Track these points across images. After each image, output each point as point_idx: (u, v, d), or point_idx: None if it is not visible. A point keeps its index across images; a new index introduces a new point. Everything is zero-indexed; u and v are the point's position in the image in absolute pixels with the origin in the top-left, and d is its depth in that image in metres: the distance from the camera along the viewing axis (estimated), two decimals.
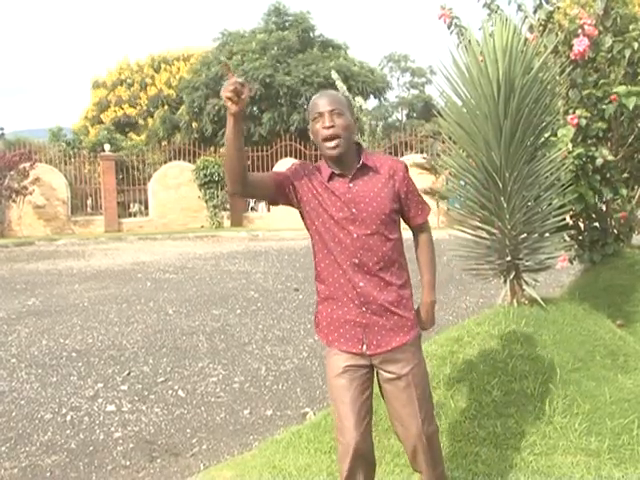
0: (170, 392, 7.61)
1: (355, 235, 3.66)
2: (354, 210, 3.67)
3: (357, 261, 3.68)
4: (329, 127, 3.62)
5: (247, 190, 3.72)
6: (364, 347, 3.72)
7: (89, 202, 31.66)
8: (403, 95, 62.04)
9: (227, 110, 3.37)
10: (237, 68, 36.42)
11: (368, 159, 3.75)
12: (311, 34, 39.32)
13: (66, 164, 31.08)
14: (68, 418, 6.92)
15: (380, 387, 3.85)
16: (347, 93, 32.20)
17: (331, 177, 3.72)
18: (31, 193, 27.76)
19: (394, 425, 3.90)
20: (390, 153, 29.94)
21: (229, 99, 3.31)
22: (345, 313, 3.74)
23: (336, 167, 3.72)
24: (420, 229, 3.93)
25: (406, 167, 3.84)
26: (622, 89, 7.28)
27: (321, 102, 3.68)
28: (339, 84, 32.30)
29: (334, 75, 32.70)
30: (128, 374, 8.27)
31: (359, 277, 3.69)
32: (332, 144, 3.63)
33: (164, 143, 37.33)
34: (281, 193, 3.76)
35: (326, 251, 3.75)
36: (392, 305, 3.73)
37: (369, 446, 3.81)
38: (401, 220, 3.87)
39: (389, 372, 3.74)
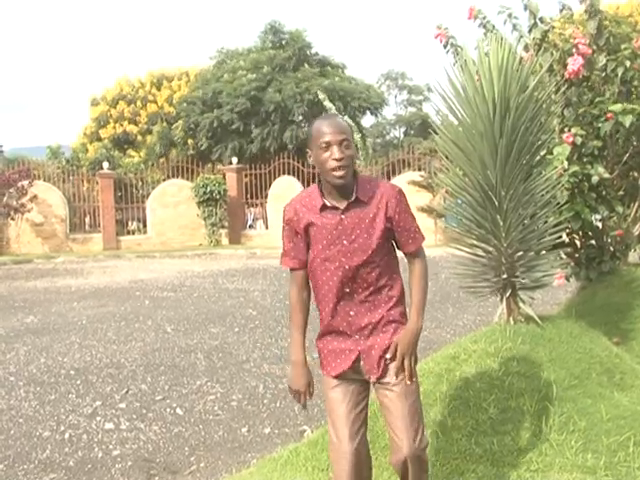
0: (168, 410, 7.62)
1: (347, 267, 3.72)
2: (345, 242, 3.71)
3: (348, 290, 3.76)
4: (339, 159, 3.61)
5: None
6: (357, 369, 3.83)
7: (87, 220, 31.68)
8: (400, 113, 62.21)
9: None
10: (227, 85, 36.60)
11: (361, 191, 3.73)
12: (307, 52, 39.43)
13: (64, 182, 31.11)
14: (66, 436, 6.93)
15: (378, 401, 3.93)
16: (334, 111, 32.37)
17: (323, 208, 3.74)
18: (29, 211, 27.78)
19: (389, 437, 3.93)
20: (388, 171, 30.02)
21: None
22: (340, 343, 3.85)
23: (331, 195, 3.74)
24: (412, 256, 3.87)
25: (400, 192, 3.83)
26: (618, 107, 7.33)
27: (329, 131, 3.64)
28: (327, 103, 32.42)
29: (320, 95, 32.81)
30: (126, 392, 8.28)
31: (350, 306, 3.78)
32: (340, 174, 3.63)
33: (161, 160, 37.39)
34: (309, 245, 3.84)
35: (320, 282, 3.82)
36: (384, 323, 3.79)
37: (364, 458, 3.89)
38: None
39: (382, 383, 3.81)
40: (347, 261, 3.71)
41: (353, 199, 3.71)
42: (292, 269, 3.92)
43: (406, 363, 3.72)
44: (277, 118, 35.95)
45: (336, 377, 3.86)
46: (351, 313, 3.77)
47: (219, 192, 29.35)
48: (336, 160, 3.61)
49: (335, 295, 3.77)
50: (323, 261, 3.76)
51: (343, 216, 3.70)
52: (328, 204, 3.72)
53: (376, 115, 41.67)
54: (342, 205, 3.71)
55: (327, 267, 3.74)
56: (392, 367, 3.77)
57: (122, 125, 42.00)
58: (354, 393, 3.83)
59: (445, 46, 7.97)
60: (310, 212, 3.75)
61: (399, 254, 3.84)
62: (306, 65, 37.70)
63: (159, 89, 42.86)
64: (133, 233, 31.70)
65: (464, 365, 5.49)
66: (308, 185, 29.50)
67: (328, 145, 3.63)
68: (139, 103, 42.65)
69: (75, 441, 6.80)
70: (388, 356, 3.74)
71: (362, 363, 3.80)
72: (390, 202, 3.74)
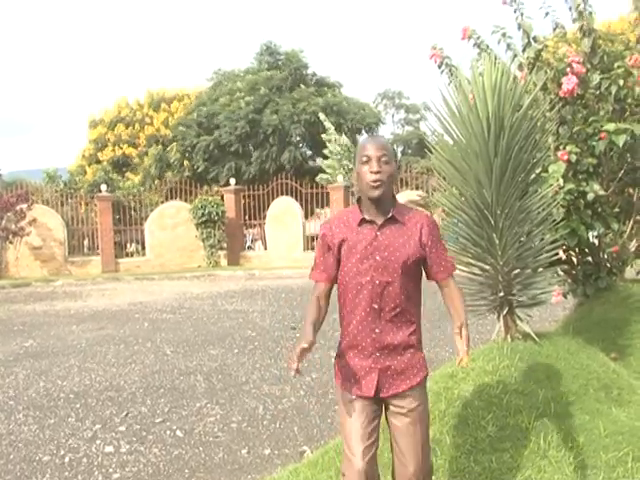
0: (168, 432, 7.62)
1: (377, 282, 3.86)
2: (378, 257, 3.87)
3: (376, 306, 3.88)
4: (376, 172, 3.80)
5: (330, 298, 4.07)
6: (375, 391, 3.90)
7: (86, 242, 31.67)
8: (398, 132, 62.39)
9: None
10: (225, 108, 36.67)
11: (398, 212, 3.92)
12: (304, 72, 39.56)
13: (63, 205, 31.12)
14: (66, 460, 6.93)
15: (387, 421, 4.02)
16: (333, 131, 32.47)
17: (361, 223, 3.91)
18: (28, 234, 27.77)
19: (394, 459, 4.03)
20: None
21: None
22: (361, 360, 3.94)
23: (369, 212, 3.92)
24: (444, 284, 4.04)
25: (434, 222, 4.03)
26: (611, 126, 7.38)
27: (370, 147, 3.86)
28: (327, 124, 32.50)
29: (321, 116, 32.92)
30: (126, 415, 8.28)
31: (376, 323, 3.90)
32: (376, 185, 3.82)
33: (157, 182, 37.42)
34: (339, 264, 4.00)
35: (350, 296, 3.95)
36: (403, 345, 3.93)
37: (375, 474, 3.96)
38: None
39: (397, 407, 3.93)
40: (378, 276, 3.86)
41: (390, 216, 3.89)
42: (318, 281, 4.06)
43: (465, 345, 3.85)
44: (275, 140, 36.02)
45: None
46: (376, 330, 3.89)
47: (217, 213, 29.34)
48: (373, 173, 3.81)
49: (363, 309, 3.90)
50: (355, 275, 3.91)
51: (379, 232, 3.89)
52: (367, 218, 3.90)
53: (371, 134, 41.76)
54: (379, 221, 3.89)
55: (358, 281, 3.89)
56: (409, 394, 3.93)
57: (121, 148, 42.10)
58: (369, 410, 3.93)
59: (440, 66, 8.03)
60: (347, 228, 3.94)
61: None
62: (302, 85, 37.79)
63: (157, 111, 42.99)
64: (132, 255, 31.67)
65: (462, 383, 5.52)
66: (306, 206, 29.66)
67: (368, 159, 3.84)
68: (137, 125, 42.76)
69: (75, 465, 6.81)
70: (456, 330, 3.89)
71: (377, 381, 3.91)
72: (424, 229, 3.93)
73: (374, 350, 3.90)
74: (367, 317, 3.89)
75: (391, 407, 3.95)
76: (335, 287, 4.06)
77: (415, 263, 3.92)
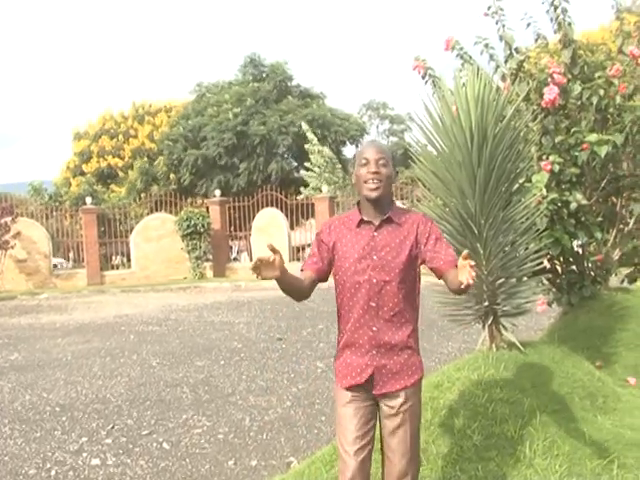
0: (155, 445, 7.61)
1: (374, 280, 3.94)
2: (375, 257, 3.95)
3: (374, 304, 3.94)
4: (374, 173, 3.92)
5: (312, 291, 4.10)
6: (368, 385, 3.96)
7: (71, 255, 31.57)
8: (383, 143, 62.49)
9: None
10: (212, 120, 36.66)
11: (395, 214, 4.02)
12: (288, 83, 39.61)
13: (47, 218, 31.04)
14: (52, 473, 6.91)
15: (380, 422, 4.07)
16: (316, 142, 32.53)
17: (360, 224, 4.02)
18: (13, 247, 27.67)
19: (383, 459, 4.10)
20: None
21: (258, 273, 3.71)
22: (358, 357, 4.00)
23: (367, 213, 4.02)
24: (452, 271, 3.84)
25: (432, 222, 4.09)
26: (593, 137, 7.43)
27: (369, 150, 4.00)
28: (310, 135, 32.55)
29: (304, 126, 32.98)
30: (112, 427, 8.26)
31: (374, 321, 3.95)
32: (373, 185, 3.94)
33: (143, 195, 37.35)
34: (330, 263, 4.08)
35: (348, 294, 4.02)
36: (400, 346, 3.98)
37: (368, 473, 4.02)
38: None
39: (390, 407, 3.99)
40: (375, 275, 3.93)
41: (386, 217, 3.98)
42: (305, 269, 4.13)
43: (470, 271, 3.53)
44: (262, 151, 36.03)
45: (349, 389, 4.01)
46: (374, 328, 3.95)
47: (203, 225, 29.29)
48: (371, 173, 3.93)
49: (361, 307, 3.96)
50: (353, 274, 3.98)
51: (376, 233, 3.98)
52: (365, 219, 4.01)
53: (357, 145, 41.81)
54: (376, 221, 3.98)
55: (356, 280, 3.96)
56: (402, 394, 3.97)
57: (106, 159, 42.00)
58: (365, 412, 3.99)
59: (423, 77, 8.07)
60: (346, 229, 4.06)
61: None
62: (289, 97, 37.86)
63: (141, 124, 42.94)
64: (117, 268, 31.58)
65: (448, 393, 5.54)
66: (291, 216, 29.66)
67: (367, 162, 3.96)
68: (121, 137, 42.70)
69: (61, 478, 6.79)
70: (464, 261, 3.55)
71: (372, 377, 3.97)
72: (420, 228, 4.00)
73: (371, 348, 3.95)
74: (364, 315, 3.95)
75: (384, 407, 4.00)
76: (333, 288, 4.11)
77: (411, 263, 3.98)
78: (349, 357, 4.02)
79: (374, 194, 3.93)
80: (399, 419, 3.95)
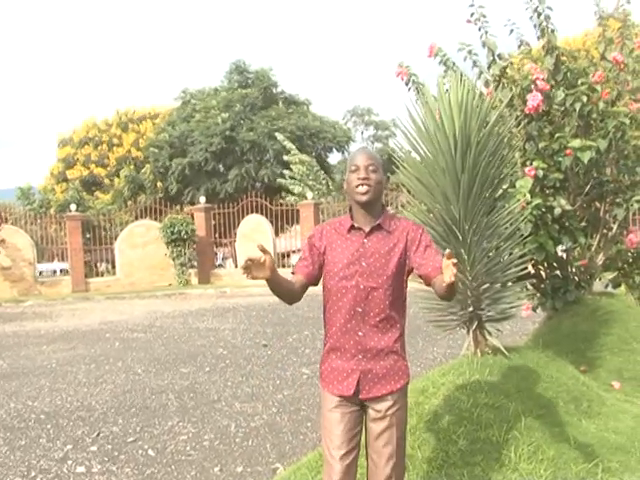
0: (140, 452, 7.59)
1: (362, 286, 3.96)
2: (364, 264, 3.97)
3: (360, 310, 3.96)
4: (364, 179, 3.95)
5: (303, 294, 4.12)
6: (355, 392, 3.96)
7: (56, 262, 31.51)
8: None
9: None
10: (199, 125, 36.58)
11: (386, 221, 4.05)
12: (274, 90, 39.63)
13: (32, 224, 30.95)
14: None
15: (366, 426, 4.07)
16: (296, 151, 32.58)
17: (350, 230, 4.04)
18: None
19: (368, 463, 4.09)
20: None
21: (248, 273, 3.75)
22: (344, 362, 4.01)
23: (358, 219, 4.05)
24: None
25: (423, 229, 4.11)
26: (577, 143, 7.47)
27: (359, 157, 4.04)
28: (287, 144, 32.58)
29: (279, 136, 33.03)
30: (98, 435, 8.24)
31: (360, 326, 3.97)
32: (363, 190, 3.98)
33: (130, 202, 37.30)
34: (321, 267, 4.11)
35: (334, 298, 4.04)
36: (386, 351, 3.99)
37: (354, 478, 4.02)
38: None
39: (376, 410, 3.99)
40: (363, 281, 3.96)
41: (376, 224, 4.01)
42: (296, 273, 4.14)
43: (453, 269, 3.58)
44: (252, 156, 35.97)
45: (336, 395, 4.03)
46: (360, 333, 3.97)
47: (187, 232, 29.27)
48: (360, 179, 3.98)
49: (347, 312, 3.98)
50: (340, 279, 4.01)
51: (366, 239, 4.00)
52: (355, 225, 4.03)
53: (343, 152, 41.85)
54: (367, 228, 4.01)
55: (343, 285, 3.98)
56: (388, 398, 3.98)
57: (89, 168, 41.88)
58: (351, 417, 4.00)
59: (407, 83, 8.10)
60: (337, 234, 4.08)
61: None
62: (275, 105, 37.88)
63: (125, 131, 42.83)
64: (102, 275, 31.54)
65: (433, 398, 5.55)
66: (276, 223, 29.66)
67: (357, 168, 4.01)
68: (105, 146, 42.56)
69: None
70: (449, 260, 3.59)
71: (359, 382, 3.98)
72: (410, 235, 4.03)
73: (356, 352, 3.96)
74: (351, 320, 3.96)
75: (370, 411, 4.01)
76: (319, 295, 4.13)
77: (400, 270, 4.00)
78: (334, 362, 4.04)
79: (364, 198, 3.96)
80: (386, 422, 3.96)
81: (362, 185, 3.95)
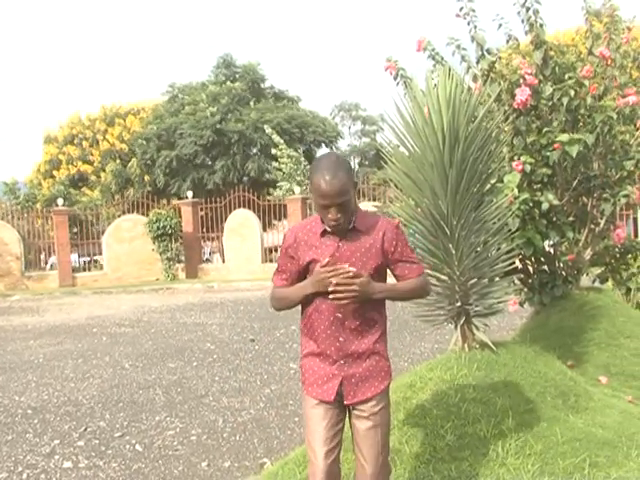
0: (127, 447, 7.58)
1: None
2: None
3: (340, 315, 3.89)
4: (336, 220, 3.79)
5: None
6: (338, 397, 3.93)
7: (43, 257, 31.42)
8: (355, 143, 62.57)
9: (314, 283, 3.85)
10: (189, 118, 36.47)
11: (360, 222, 3.92)
12: (262, 85, 39.56)
13: (19, 219, 30.84)
14: (24, 476, 6.87)
15: (350, 423, 4.06)
16: (283, 145, 32.52)
17: (323, 233, 3.92)
18: None
19: (357, 460, 4.07)
20: None
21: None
22: (325, 366, 3.97)
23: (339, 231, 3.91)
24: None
25: (397, 227, 4.01)
26: (565, 137, 7.47)
27: (328, 193, 3.71)
28: (276, 138, 32.54)
29: (268, 130, 32.99)
30: (85, 430, 8.22)
31: (340, 332, 3.91)
32: (335, 228, 3.85)
33: (117, 197, 37.19)
34: (300, 276, 4.02)
35: (314, 305, 3.95)
36: (368, 353, 3.96)
37: (337, 475, 4.02)
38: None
39: (360, 410, 3.97)
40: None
41: (350, 228, 3.89)
42: (280, 286, 4.09)
43: (345, 288, 3.77)
44: (240, 149, 35.86)
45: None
46: (340, 339, 3.92)
47: (171, 226, 29.23)
48: (332, 220, 3.80)
49: (327, 318, 3.91)
50: None
51: (341, 243, 3.89)
52: (328, 230, 3.90)
53: (331, 147, 41.85)
54: (341, 233, 3.89)
55: (321, 291, 3.86)
56: (372, 398, 3.96)
57: (75, 166, 41.67)
58: (333, 414, 3.96)
59: (395, 78, 8.08)
60: (310, 239, 3.95)
61: None
62: (263, 99, 37.83)
63: (111, 125, 42.65)
64: (89, 269, 31.46)
65: (421, 393, 5.55)
66: (264, 218, 29.65)
67: (326, 205, 3.77)
68: (87, 143, 42.27)
69: None
70: (346, 266, 3.80)
71: (342, 387, 3.94)
72: (387, 235, 3.94)
73: (338, 358, 3.92)
74: (331, 326, 3.91)
75: (354, 410, 3.98)
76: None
77: (378, 271, 3.93)
78: (316, 364, 3.99)
79: (335, 229, 3.86)
80: (370, 422, 3.95)
81: (335, 224, 3.81)
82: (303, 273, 4.00)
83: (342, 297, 3.77)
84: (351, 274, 3.74)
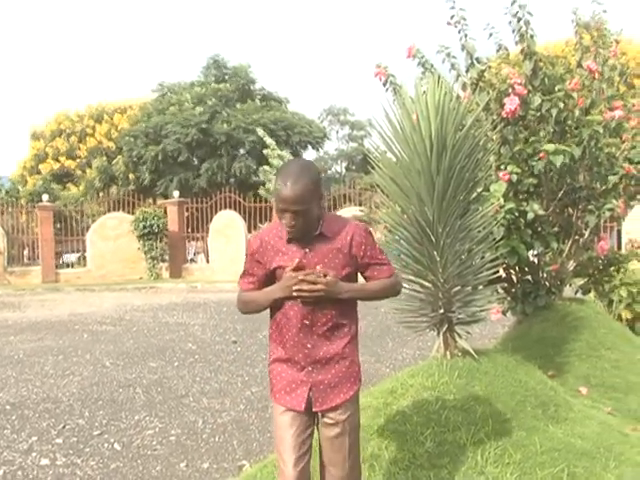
0: (106, 445, 7.55)
1: (307, 299, 3.80)
2: None
3: (307, 322, 3.85)
4: (290, 226, 3.75)
5: None
6: (307, 405, 3.88)
7: (26, 252, 31.30)
8: (342, 148, 62.60)
9: (284, 287, 3.80)
10: (174, 117, 36.41)
11: (327, 227, 3.86)
12: (251, 87, 39.56)
13: (3, 214, 30.73)
14: (0, 473, 6.84)
15: (318, 429, 4.02)
16: (275, 146, 32.49)
17: (290, 240, 3.86)
18: None
19: (322, 469, 4.06)
20: (329, 205, 30.14)
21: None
22: (293, 373, 3.92)
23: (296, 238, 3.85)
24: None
25: (366, 230, 3.95)
26: (550, 147, 7.51)
27: (286, 199, 3.67)
28: (267, 140, 32.51)
29: (260, 132, 32.98)
30: (63, 427, 8.19)
31: (308, 338, 3.87)
32: (291, 235, 3.82)
33: (101, 194, 37.07)
34: (267, 280, 3.96)
35: (282, 311, 3.90)
36: (337, 358, 3.91)
37: None
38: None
39: (328, 417, 3.93)
40: None
41: (317, 233, 3.83)
42: (247, 290, 4.04)
43: (310, 287, 3.75)
44: (227, 150, 35.82)
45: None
46: (308, 345, 3.87)
47: (158, 226, 29.19)
48: (287, 225, 3.75)
49: (294, 325, 3.86)
50: None
51: (307, 250, 3.83)
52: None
53: (318, 149, 41.90)
54: (307, 239, 3.83)
55: (289, 298, 3.83)
56: (340, 405, 3.91)
57: (59, 161, 41.52)
58: (302, 421, 3.92)
59: (385, 84, 8.10)
60: (277, 245, 3.89)
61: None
62: (250, 101, 37.79)
63: (99, 122, 42.54)
64: (72, 266, 31.35)
65: (401, 399, 5.55)
66: (250, 219, 29.60)
67: (283, 211, 3.73)
68: (75, 138, 42.15)
69: (10, 478, 6.71)
70: (318, 267, 3.79)
71: (311, 394, 3.89)
72: (355, 240, 3.88)
73: (306, 364, 3.88)
74: (299, 333, 3.86)
75: (322, 417, 3.95)
76: None
77: (346, 276, 3.87)
78: (284, 370, 3.95)
79: (292, 236, 3.82)
80: (338, 429, 3.91)
81: (289, 232, 3.80)
82: (270, 277, 3.95)
83: (308, 296, 3.75)
84: (320, 273, 3.73)
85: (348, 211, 26.30)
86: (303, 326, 3.85)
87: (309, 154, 41.76)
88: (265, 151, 32.99)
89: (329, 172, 59.07)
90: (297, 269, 3.75)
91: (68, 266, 31.12)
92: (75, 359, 12.31)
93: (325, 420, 3.94)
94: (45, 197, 30.35)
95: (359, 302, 4.03)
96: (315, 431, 4.04)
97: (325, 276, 3.74)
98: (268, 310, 4.00)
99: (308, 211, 3.71)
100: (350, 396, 3.94)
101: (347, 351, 3.94)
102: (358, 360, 4.05)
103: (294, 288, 3.74)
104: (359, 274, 4.02)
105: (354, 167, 57.96)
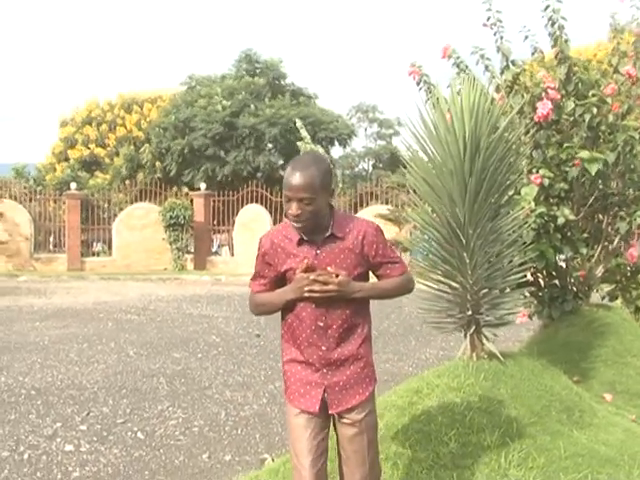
0: (129, 434, 7.61)
1: (320, 300, 3.78)
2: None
3: (322, 324, 3.83)
4: (295, 215, 3.71)
5: None
6: (322, 406, 3.86)
7: (51, 239, 31.45)
8: (370, 145, 62.43)
9: (296, 289, 3.80)
10: (202, 111, 36.50)
11: (337, 227, 3.83)
12: (282, 82, 39.57)
13: (31, 201, 30.90)
14: (25, 456, 6.91)
15: (335, 429, 4.00)
16: (309, 140, 32.46)
17: (300, 242, 3.83)
18: None
19: (340, 469, 4.04)
20: (355, 202, 30.13)
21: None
22: (308, 374, 3.90)
23: (304, 234, 3.82)
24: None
25: (377, 229, 3.92)
26: (586, 154, 7.47)
27: (292, 186, 3.68)
28: (303, 132, 32.52)
29: (298, 123, 32.95)
30: (87, 414, 8.25)
31: (322, 340, 3.84)
32: (296, 225, 3.77)
33: (127, 182, 37.16)
34: (279, 282, 3.95)
35: (295, 312, 3.88)
36: (352, 360, 3.89)
37: None
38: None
39: (345, 417, 3.90)
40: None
41: (328, 234, 3.80)
42: (258, 292, 4.04)
43: (322, 287, 3.74)
44: (251, 143, 35.87)
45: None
46: (323, 347, 3.85)
47: (185, 217, 29.24)
48: (292, 215, 3.72)
49: (308, 327, 3.84)
50: None
51: (319, 251, 3.81)
52: (305, 238, 3.82)
53: (345, 146, 41.80)
54: (318, 239, 3.81)
55: (302, 298, 3.80)
56: (357, 404, 3.90)
57: (89, 148, 41.68)
58: (317, 423, 3.89)
59: (418, 83, 8.10)
60: (287, 247, 3.86)
61: None
62: (280, 96, 37.79)
63: (129, 112, 42.66)
64: (98, 255, 31.48)
65: (427, 399, 5.55)
66: (275, 214, 29.62)
67: (289, 198, 3.71)
68: (106, 126, 42.29)
69: (34, 462, 6.78)
70: (329, 268, 3.77)
71: (326, 395, 3.87)
72: (366, 239, 3.85)
73: (321, 366, 3.86)
74: (313, 334, 3.84)
75: (339, 418, 3.93)
76: None
77: (359, 275, 3.86)
78: (298, 372, 3.93)
79: (297, 227, 3.78)
80: (355, 429, 3.89)
81: (295, 220, 3.75)
82: (281, 280, 3.93)
83: (319, 296, 3.74)
84: (331, 274, 3.72)
85: (374, 209, 26.24)
86: (317, 328, 3.83)
87: (336, 151, 41.73)
88: (299, 143, 33.10)
89: (356, 169, 58.90)
90: (307, 270, 3.74)
91: (98, 254, 31.26)
92: (99, 347, 12.40)
93: (343, 421, 3.92)
94: (73, 185, 30.51)
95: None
96: (332, 431, 4.03)
97: (337, 276, 3.73)
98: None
99: (314, 201, 3.68)
100: (366, 397, 3.93)
101: (362, 352, 3.92)
102: (372, 360, 4.02)
103: (306, 289, 3.73)
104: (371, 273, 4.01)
105: (381, 165, 57.76)
